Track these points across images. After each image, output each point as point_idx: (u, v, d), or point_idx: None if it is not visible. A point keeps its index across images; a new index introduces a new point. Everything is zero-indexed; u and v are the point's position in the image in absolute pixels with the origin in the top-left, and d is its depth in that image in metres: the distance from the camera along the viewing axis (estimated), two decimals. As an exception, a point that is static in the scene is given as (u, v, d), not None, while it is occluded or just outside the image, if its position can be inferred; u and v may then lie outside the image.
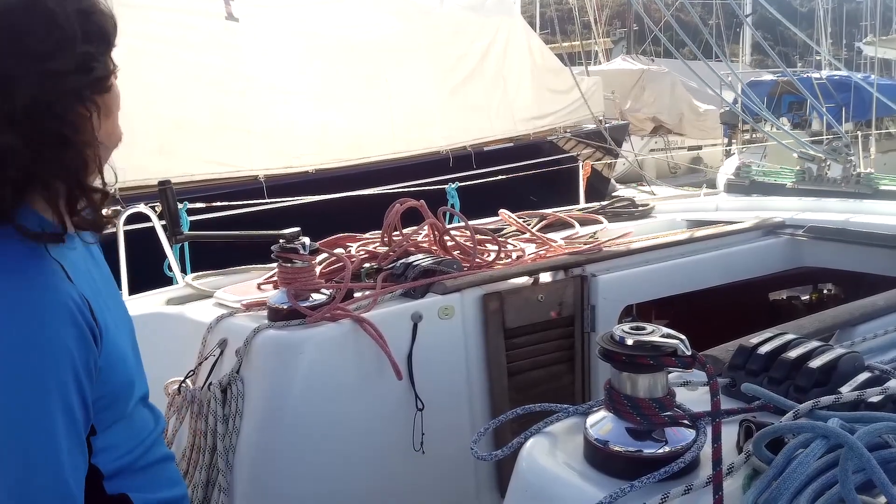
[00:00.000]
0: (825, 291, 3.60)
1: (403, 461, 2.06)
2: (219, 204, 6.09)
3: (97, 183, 1.14)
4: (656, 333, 1.12)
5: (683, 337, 1.11)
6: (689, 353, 1.09)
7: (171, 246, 3.90)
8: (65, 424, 1.00)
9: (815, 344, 1.34)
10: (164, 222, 3.13)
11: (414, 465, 2.06)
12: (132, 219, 4.30)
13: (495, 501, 2.24)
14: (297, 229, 2.05)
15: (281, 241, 2.04)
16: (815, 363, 1.26)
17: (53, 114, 1.04)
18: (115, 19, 1.15)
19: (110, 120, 1.15)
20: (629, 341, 1.11)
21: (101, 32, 1.12)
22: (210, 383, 1.98)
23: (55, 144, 1.05)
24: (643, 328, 1.13)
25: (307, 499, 1.95)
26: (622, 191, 12.41)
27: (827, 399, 1.15)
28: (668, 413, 1.13)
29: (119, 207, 4.14)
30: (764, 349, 1.34)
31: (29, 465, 0.97)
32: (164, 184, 2.13)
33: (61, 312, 1.02)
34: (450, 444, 2.12)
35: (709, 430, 1.08)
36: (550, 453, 1.20)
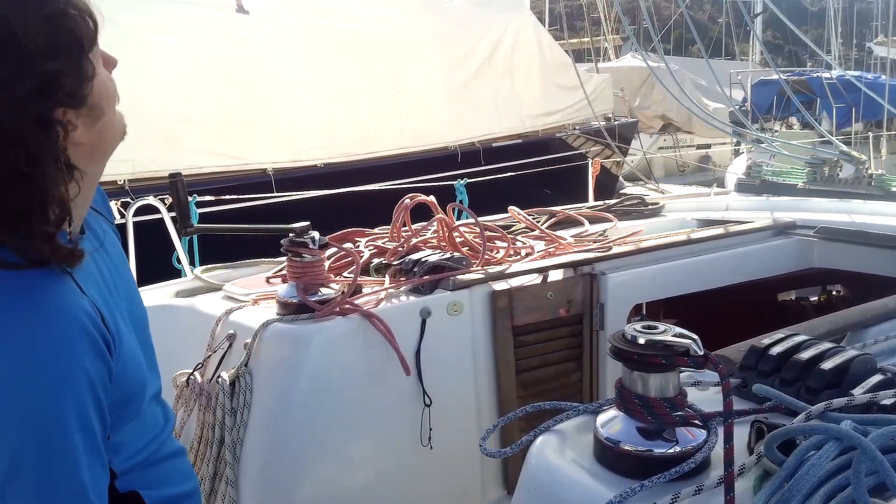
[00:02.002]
0: (834, 293, 3.58)
1: (411, 456, 2.06)
2: (227, 197, 6.10)
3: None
4: (668, 333, 1.11)
5: (696, 337, 1.10)
6: (701, 352, 1.09)
7: (181, 238, 3.90)
8: (84, 442, 0.98)
9: (827, 345, 1.33)
10: (173, 214, 3.13)
11: (421, 460, 2.07)
12: (141, 211, 4.31)
13: (501, 497, 2.24)
14: (306, 223, 2.05)
15: (291, 234, 2.03)
16: (828, 365, 1.26)
17: (9, 146, 0.92)
18: (93, 16, 1.00)
19: (100, 123, 1.04)
20: (641, 340, 1.11)
21: (73, 38, 0.97)
22: (218, 376, 1.99)
23: (11, 179, 0.93)
24: (655, 327, 1.13)
25: (314, 492, 1.95)
26: (630, 188, 12.36)
27: (839, 401, 1.14)
28: (680, 413, 1.12)
29: (128, 199, 4.15)
30: (776, 350, 1.34)
31: (51, 486, 0.96)
32: (174, 176, 2.12)
33: (75, 330, 0.98)
34: (457, 439, 2.12)
35: (720, 430, 1.08)
36: (560, 451, 1.19)
